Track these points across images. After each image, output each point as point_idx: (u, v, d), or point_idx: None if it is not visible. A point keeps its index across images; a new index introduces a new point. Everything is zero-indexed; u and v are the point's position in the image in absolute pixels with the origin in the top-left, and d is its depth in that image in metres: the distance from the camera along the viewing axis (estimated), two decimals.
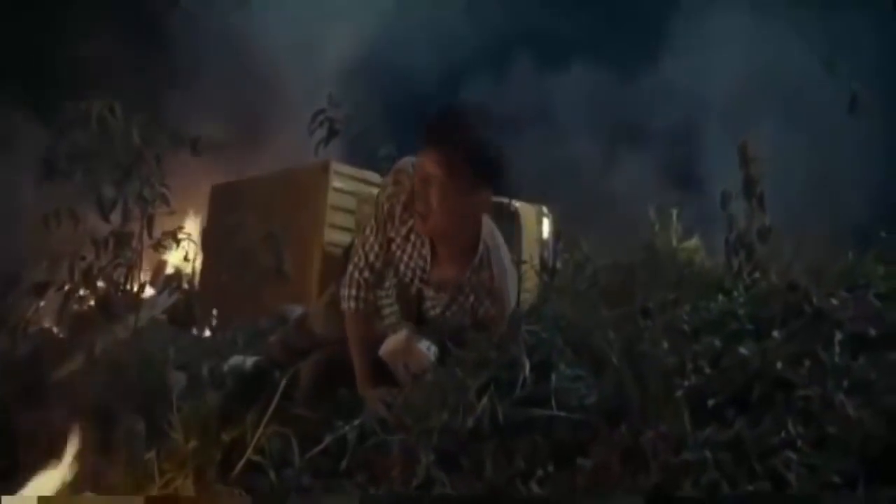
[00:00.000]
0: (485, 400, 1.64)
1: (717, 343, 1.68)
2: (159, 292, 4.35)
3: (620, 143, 6.78)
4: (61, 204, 2.65)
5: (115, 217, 2.73)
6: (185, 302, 4.16)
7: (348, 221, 5.14)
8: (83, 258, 2.62)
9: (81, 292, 2.68)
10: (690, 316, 1.89)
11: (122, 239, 2.74)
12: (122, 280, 2.83)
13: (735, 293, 1.97)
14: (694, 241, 4.62)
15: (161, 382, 2.86)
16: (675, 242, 4.65)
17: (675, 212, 4.67)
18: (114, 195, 2.66)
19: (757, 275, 2.01)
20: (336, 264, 5.11)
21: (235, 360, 2.95)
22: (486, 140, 2.07)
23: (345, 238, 5.15)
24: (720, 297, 1.99)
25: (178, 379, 2.92)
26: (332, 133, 3.78)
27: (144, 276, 3.02)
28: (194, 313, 4.16)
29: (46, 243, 2.75)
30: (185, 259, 3.51)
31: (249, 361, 2.86)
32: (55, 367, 2.80)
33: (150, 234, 2.80)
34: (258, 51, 7.25)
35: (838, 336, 1.49)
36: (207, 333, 4.46)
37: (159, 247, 2.90)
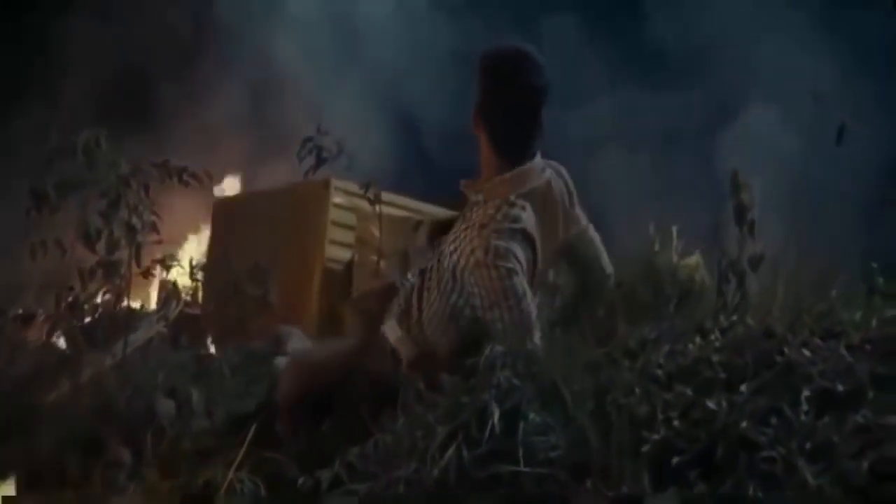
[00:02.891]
0: (451, 451, 1.62)
1: (689, 392, 1.66)
2: (158, 310, 4.37)
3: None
4: (48, 234, 2.67)
5: (104, 246, 2.75)
6: (185, 320, 4.18)
7: (348, 237, 5.14)
8: (70, 288, 2.63)
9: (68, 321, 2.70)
10: (666, 359, 1.87)
11: (110, 268, 2.76)
12: (109, 308, 2.85)
13: (712, 336, 1.95)
14: (695, 258, 4.58)
15: (149, 410, 2.87)
16: (675, 259, 4.62)
17: (675, 229, 4.64)
18: (100, 225, 2.67)
19: (735, 317, 1.98)
20: (337, 280, 5.12)
21: None
22: None
23: (345, 254, 5.15)
24: (697, 339, 1.97)
25: (167, 406, 2.93)
26: (320, 161, 3.80)
27: (134, 303, 3.04)
28: (194, 331, 4.18)
29: (33, 273, 2.76)
30: (191, 277, 3.51)
31: None
32: (42, 394, 2.82)
33: (138, 264, 2.82)
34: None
35: (806, 392, 1.47)
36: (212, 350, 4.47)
37: (148, 274, 2.91)
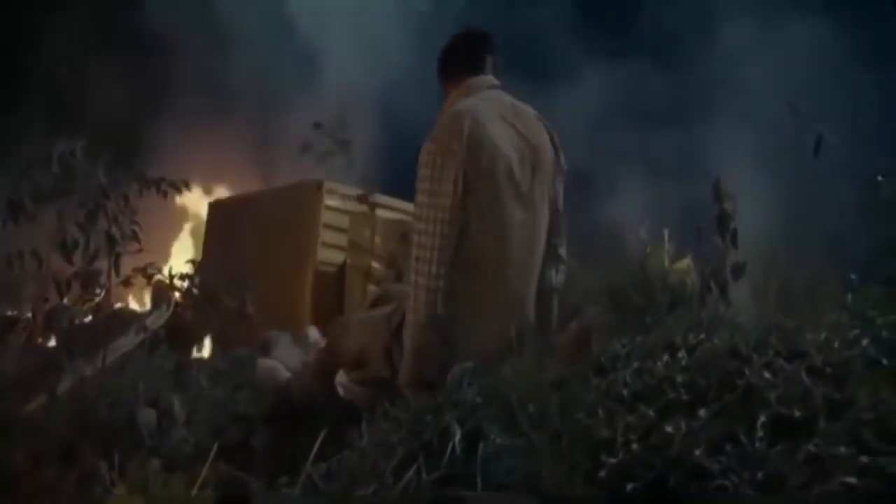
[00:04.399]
0: (411, 472, 1.62)
1: (651, 414, 1.65)
2: (149, 313, 4.36)
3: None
4: (25, 245, 2.66)
5: (84, 256, 2.74)
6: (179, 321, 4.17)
7: (341, 240, 5.13)
8: (46, 300, 2.63)
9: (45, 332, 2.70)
10: (634, 378, 1.86)
11: (88, 278, 2.75)
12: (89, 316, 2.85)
13: (680, 353, 1.93)
14: (686, 262, 4.56)
15: (130, 420, 2.87)
16: (666, 263, 4.60)
17: (666, 232, 4.61)
18: (78, 236, 2.67)
19: (703, 336, 1.96)
20: (329, 283, 5.12)
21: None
22: None
23: (337, 256, 5.15)
24: (666, 357, 1.95)
25: (149, 416, 2.92)
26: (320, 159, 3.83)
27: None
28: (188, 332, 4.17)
29: (11, 284, 2.76)
30: (172, 287, 3.51)
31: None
32: (20, 403, 2.82)
33: (117, 273, 2.81)
34: None
35: (762, 418, 1.45)
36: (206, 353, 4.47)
37: (128, 284, 2.91)
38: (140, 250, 2.86)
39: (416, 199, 2.43)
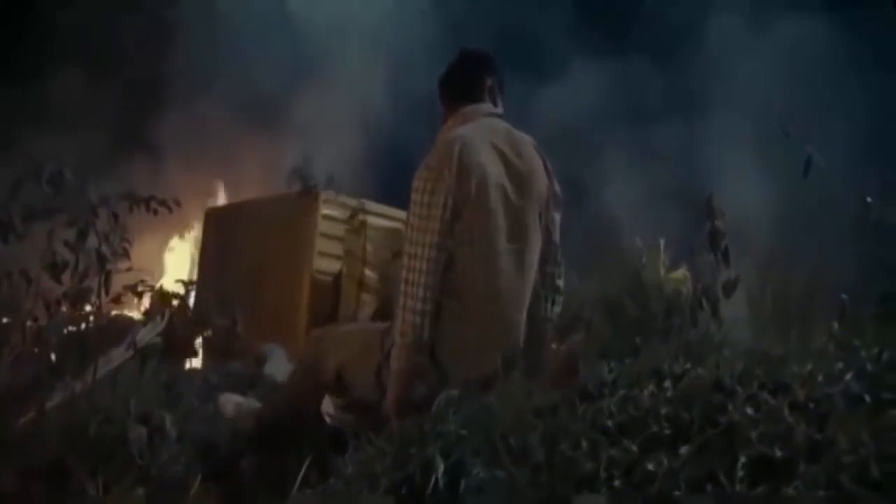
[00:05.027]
0: None
1: (635, 449, 1.64)
2: (143, 323, 4.36)
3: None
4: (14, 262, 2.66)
5: (73, 276, 2.74)
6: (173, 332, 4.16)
7: (336, 249, 5.13)
8: (35, 320, 2.63)
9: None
10: (619, 408, 1.85)
11: (79, 297, 2.75)
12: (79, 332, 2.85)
13: (665, 384, 1.92)
14: (682, 272, 4.55)
15: (121, 437, 2.86)
16: (662, 272, 4.59)
17: (662, 241, 4.61)
18: (68, 256, 2.66)
19: (688, 365, 1.96)
20: (325, 291, 5.11)
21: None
22: None
23: (333, 265, 5.14)
24: (651, 386, 1.94)
25: (139, 433, 2.91)
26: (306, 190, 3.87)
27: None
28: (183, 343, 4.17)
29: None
30: (164, 303, 3.51)
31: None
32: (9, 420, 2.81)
33: (106, 292, 2.81)
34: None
35: (742, 458, 1.45)
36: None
37: (118, 303, 2.91)
38: (130, 269, 2.86)
39: (407, 221, 2.46)
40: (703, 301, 3.12)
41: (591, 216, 5.91)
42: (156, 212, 2.75)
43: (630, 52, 7.13)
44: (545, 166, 2.64)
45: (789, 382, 1.68)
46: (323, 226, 5.19)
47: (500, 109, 2.64)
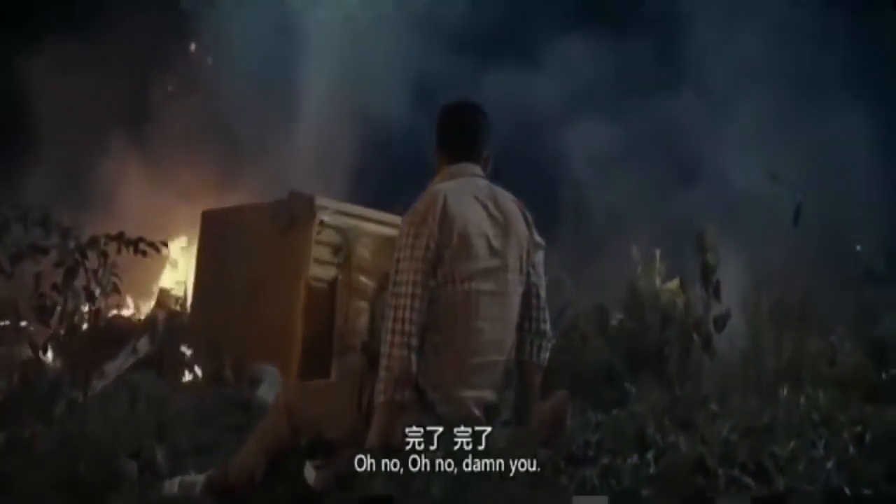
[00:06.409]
0: None
1: None
2: (141, 334, 4.37)
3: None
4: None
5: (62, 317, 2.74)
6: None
7: (332, 256, 5.10)
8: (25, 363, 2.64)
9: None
10: (601, 480, 1.85)
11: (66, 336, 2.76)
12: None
13: (648, 455, 1.92)
14: (676, 283, 4.53)
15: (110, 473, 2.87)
16: (658, 283, 4.57)
17: (658, 252, 4.58)
18: (56, 298, 2.66)
19: (672, 437, 1.95)
20: (321, 300, 5.10)
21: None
22: None
23: (328, 273, 5.12)
24: (635, 456, 1.94)
25: (130, 468, 2.92)
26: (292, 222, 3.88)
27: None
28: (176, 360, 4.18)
29: None
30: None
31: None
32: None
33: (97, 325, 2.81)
34: None
35: None
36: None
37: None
38: (120, 305, 2.87)
39: (394, 261, 2.55)
40: (695, 336, 3.14)
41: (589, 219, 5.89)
42: (144, 253, 2.74)
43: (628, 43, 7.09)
44: (524, 217, 2.75)
45: (769, 468, 1.68)
46: (318, 233, 5.16)
47: (484, 175, 2.76)
